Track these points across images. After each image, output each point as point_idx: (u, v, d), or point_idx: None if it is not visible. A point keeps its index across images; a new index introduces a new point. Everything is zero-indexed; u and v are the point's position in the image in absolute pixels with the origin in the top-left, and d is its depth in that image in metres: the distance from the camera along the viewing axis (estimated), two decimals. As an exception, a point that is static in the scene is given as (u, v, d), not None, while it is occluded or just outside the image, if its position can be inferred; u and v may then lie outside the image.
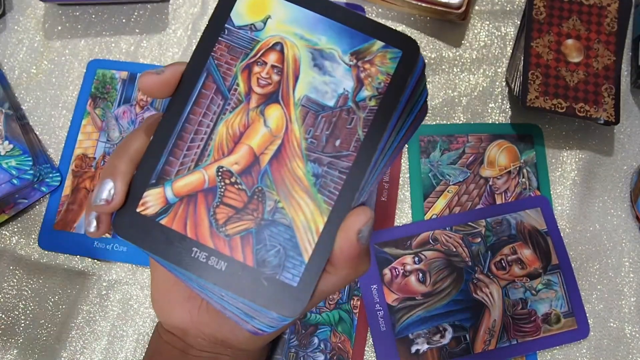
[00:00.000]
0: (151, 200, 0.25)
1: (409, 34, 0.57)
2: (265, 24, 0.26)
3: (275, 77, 0.26)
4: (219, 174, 0.25)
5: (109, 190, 0.25)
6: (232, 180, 0.25)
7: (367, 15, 0.25)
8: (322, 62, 0.26)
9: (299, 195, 0.25)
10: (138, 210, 0.25)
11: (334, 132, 0.25)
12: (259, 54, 0.26)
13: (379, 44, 0.26)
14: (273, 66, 0.26)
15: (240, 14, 0.26)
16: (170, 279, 0.30)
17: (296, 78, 0.26)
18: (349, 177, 0.25)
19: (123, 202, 0.25)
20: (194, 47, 0.26)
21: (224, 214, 0.25)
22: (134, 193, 0.25)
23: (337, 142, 0.25)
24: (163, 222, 0.25)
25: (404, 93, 0.25)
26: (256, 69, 0.26)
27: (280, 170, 0.25)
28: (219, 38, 0.26)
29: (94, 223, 0.26)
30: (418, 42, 0.57)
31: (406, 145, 0.54)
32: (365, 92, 0.26)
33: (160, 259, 0.25)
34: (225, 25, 0.26)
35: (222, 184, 0.25)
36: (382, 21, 0.57)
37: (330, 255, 0.25)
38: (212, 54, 0.26)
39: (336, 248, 0.25)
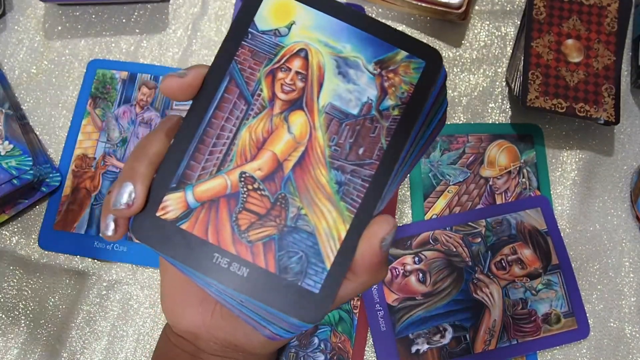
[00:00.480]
0: (171, 205, 0.25)
1: (409, 34, 0.57)
2: (289, 29, 0.26)
3: (300, 84, 0.26)
4: (242, 179, 0.25)
5: (129, 194, 0.25)
6: (255, 186, 0.25)
7: (381, 20, 0.26)
8: (346, 70, 0.26)
9: (322, 202, 0.25)
10: (158, 214, 0.25)
11: (357, 140, 0.25)
12: (283, 60, 0.26)
13: (403, 53, 0.26)
14: (297, 72, 0.26)
15: (264, 19, 0.26)
16: (182, 281, 0.30)
17: (320, 85, 0.26)
18: (372, 186, 0.25)
19: (143, 206, 0.25)
20: (217, 51, 0.26)
21: (246, 220, 0.25)
22: (154, 197, 0.25)
23: (361, 151, 0.25)
24: (184, 226, 0.25)
25: (427, 103, 0.26)
26: (280, 74, 0.26)
27: (303, 177, 0.25)
28: (243, 42, 0.26)
29: (112, 226, 0.26)
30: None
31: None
32: (389, 102, 0.26)
33: (180, 264, 0.25)
34: (249, 29, 0.26)
35: (245, 189, 0.25)
36: (382, 21, 0.57)
37: (352, 262, 0.25)
38: (235, 58, 0.26)
39: (358, 255, 0.25)
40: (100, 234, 0.25)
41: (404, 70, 0.26)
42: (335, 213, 0.25)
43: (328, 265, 0.24)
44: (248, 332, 0.29)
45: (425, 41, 0.56)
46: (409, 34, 0.56)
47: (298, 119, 0.25)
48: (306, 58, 0.26)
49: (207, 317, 0.30)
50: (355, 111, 0.25)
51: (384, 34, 0.26)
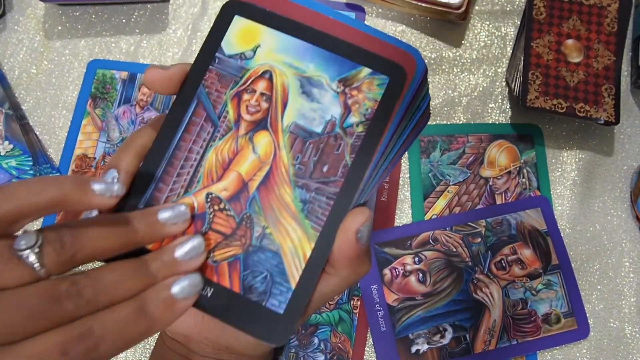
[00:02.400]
0: None
1: (409, 34, 0.57)
2: (255, 52, 0.26)
3: (264, 105, 0.26)
4: (208, 200, 0.25)
5: (112, 178, 0.25)
6: (221, 206, 0.25)
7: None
8: (310, 89, 0.26)
9: (287, 221, 0.25)
10: None
11: (321, 158, 0.25)
12: (248, 82, 0.26)
13: (366, 70, 0.26)
14: (262, 94, 0.26)
15: (231, 43, 0.27)
16: None
17: (284, 105, 0.26)
18: (337, 203, 0.25)
19: (124, 193, 0.25)
20: (187, 76, 0.27)
21: (212, 240, 0.25)
22: None
23: (325, 168, 0.25)
24: (150, 247, 0.25)
25: (393, 118, 0.26)
26: (245, 96, 0.26)
27: (268, 196, 0.25)
28: (210, 67, 0.27)
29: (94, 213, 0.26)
30: (418, 42, 0.57)
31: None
32: (353, 119, 0.26)
33: None
34: (216, 54, 0.27)
35: (211, 210, 0.25)
36: (382, 21, 0.57)
37: (330, 255, 0.25)
38: (203, 82, 0.26)
39: (335, 249, 0.25)
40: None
41: (368, 87, 0.26)
42: (300, 231, 0.25)
43: (293, 285, 0.24)
44: (237, 334, 0.29)
45: (425, 41, 0.57)
46: (409, 34, 0.56)
47: (263, 139, 0.26)
48: (271, 79, 0.26)
49: (198, 320, 0.30)
50: (319, 129, 0.25)
51: (347, 52, 0.26)
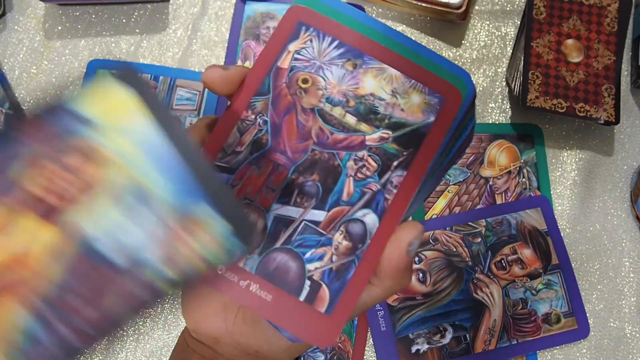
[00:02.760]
0: None
1: (409, 34, 0.57)
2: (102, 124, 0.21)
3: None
4: None
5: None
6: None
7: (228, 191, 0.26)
8: (135, 206, 0.20)
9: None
10: None
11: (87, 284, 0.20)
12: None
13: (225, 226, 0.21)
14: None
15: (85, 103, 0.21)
16: (204, 287, 0.30)
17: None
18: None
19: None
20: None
21: None
22: None
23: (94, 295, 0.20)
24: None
25: (453, 123, 0.27)
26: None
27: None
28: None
29: None
30: (418, 41, 0.57)
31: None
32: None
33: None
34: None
35: None
36: (382, 21, 0.57)
37: (377, 267, 0.25)
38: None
39: (384, 260, 0.25)
40: None
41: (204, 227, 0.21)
42: None
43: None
44: (270, 338, 0.29)
45: (425, 41, 0.57)
46: (409, 34, 0.55)
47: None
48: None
49: (230, 323, 0.30)
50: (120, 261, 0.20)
51: (219, 200, 0.21)
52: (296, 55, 0.28)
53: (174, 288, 0.20)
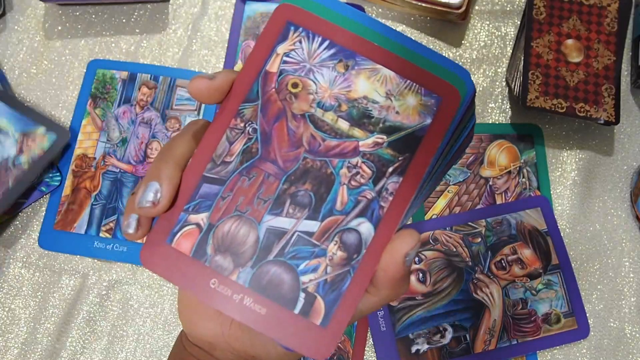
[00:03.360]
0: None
1: (409, 34, 0.57)
2: None
3: None
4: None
5: (155, 193, 0.25)
6: None
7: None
8: None
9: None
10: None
11: None
12: None
13: (43, 128, 0.33)
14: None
15: None
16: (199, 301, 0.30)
17: None
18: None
19: (168, 207, 0.25)
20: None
21: None
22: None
23: None
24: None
25: (453, 122, 0.26)
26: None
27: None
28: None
29: (134, 225, 0.25)
30: (418, 42, 0.57)
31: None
32: (23, 158, 0.39)
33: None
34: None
35: None
36: (382, 21, 0.57)
37: (374, 276, 0.25)
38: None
39: (380, 270, 0.24)
40: (122, 232, 0.26)
41: (40, 140, 0.33)
42: None
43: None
44: (266, 344, 0.29)
45: (425, 41, 0.57)
46: (409, 34, 0.55)
47: None
48: None
49: (225, 328, 0.30)
50: None
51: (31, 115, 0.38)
52: (285, 58, 0.27)
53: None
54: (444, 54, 0.57)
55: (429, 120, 0.26)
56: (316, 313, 0.24)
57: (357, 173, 0.26)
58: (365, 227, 0.25)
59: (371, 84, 0.26)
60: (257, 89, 0.26)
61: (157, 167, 0.25)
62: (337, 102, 0.26)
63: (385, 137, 0.26)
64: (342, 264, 0.25)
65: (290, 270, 0.25)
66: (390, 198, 0.25)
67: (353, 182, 0.26)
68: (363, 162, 0.26)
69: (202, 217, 0.26)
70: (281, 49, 0.27)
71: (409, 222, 0.52)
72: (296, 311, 0.25)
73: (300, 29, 0.27)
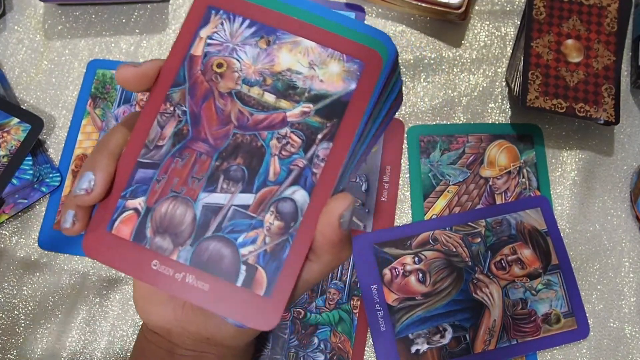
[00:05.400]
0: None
1: (409, 34, 0.57)
2: None
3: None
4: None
5: (88, 181, 0.25)
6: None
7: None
8: None
9: None
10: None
11: None
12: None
13: (15, 120, 0.33)
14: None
15: None
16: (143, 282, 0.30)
17: None
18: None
19: (103, 195, 0.26)
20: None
21: None
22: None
23: None
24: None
25: (376, 87, 0.26)
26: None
27: None
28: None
29: (70, 220, 0.26)
30: (418, 42, 0.57)
31: (405, 145, 0.54)
32: (0, 152, 0.39)
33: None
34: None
35: None
36: (382, 21, 0.57)
37: (313, 242, 0.25)
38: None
39: (318, 234, 0.25)
40: (61, 229, 0.26)
41: (15, 132, 0.33)
42: None
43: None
44: (219, 324, 0.30)
45: (425, 41, 0.57)
46: (409, 34, 0.55)
47: None
48: None
49: (178, 312, 0.30)
50: None
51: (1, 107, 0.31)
52: (209, 41, 0.27)
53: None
54: (443, 54, 0.57)
55: (353, 85, 0.26)
56: (258, 284, 0.25)
57: (287, 143, 0.26)
58: (300, 195, 0.25)
59: (293, 56, 0.27)
60: (183, 72, 0.27)
61: (92, 158, 0.26)
62: (261, 77, 0.27)
63: (311, 105, 0.26)
64: (280, 233, 0.25)
65: (229, 244, 0.25)
66: (322, 164, 0.25)
67: (284, 152, 0.26)
68: (292, 132, 0.26)
69: (139, 202, 0.26)
70: (204, 32, 0.27)
71: (413, 222, 0.52)
72: (238, 284, 0.25)
73: (221, 12, 0.27)
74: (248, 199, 0.26)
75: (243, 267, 0.25)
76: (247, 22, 0.27)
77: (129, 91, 0.29)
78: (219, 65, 0.27)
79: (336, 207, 0.24)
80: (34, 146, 0.53)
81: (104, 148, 0.26)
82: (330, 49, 0.26)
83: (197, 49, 0.27)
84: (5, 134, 0.36)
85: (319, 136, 0.26)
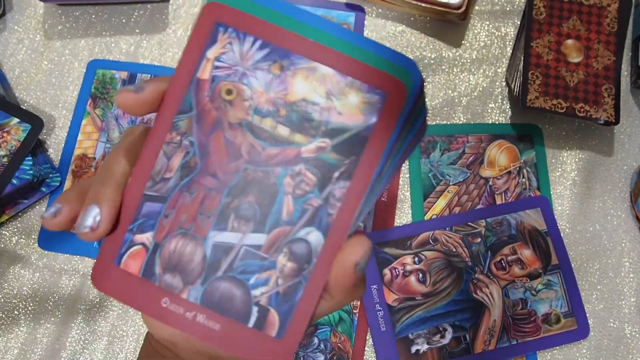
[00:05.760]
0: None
1: (409, 34, 0.57)
2: None
3: None
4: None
5: (93, 217, 0.24)
6: None
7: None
8: None
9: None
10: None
11: None
12: None
13: (15, 120, 0.33)
14: None
15: None
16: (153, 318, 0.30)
17: None
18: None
19: (109, 231, 0.25)
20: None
21: None
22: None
23: None
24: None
25: (402, 114, 0.24)
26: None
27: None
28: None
29: (91, 220, 0.25)
30: (418, 42, 0.57)
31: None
32: (1, 152, 0.41)
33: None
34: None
35: None
36: (382, 21, 0.57)
37: (326, 283, 0.24)
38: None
39: (332, 279, 0.24)
40: (77, 231, 0.25)
41: (15, 132, 0.33)
42: None
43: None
44: None
45: (425, 41, 0.57)
46: (409, 34, 0.55)
47: None
48: None
49: None
50: None
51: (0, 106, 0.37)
52: (217, 63, 0.25)
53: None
54: (443, 54, 0.57)
55: (374, 119, 0.24)
56: (271, 325, 0.24)
57: (302, 181, 0.24)
58: (314, 236, 0.24)
59: (309, 84, 0.24)
60: (190, 98, 0.25)
61: (96, 190, 0.25)
62: (274, 107, 0.25)
63: (328, 140, 0.24)
64: (293, 274, 0.24)
65: (240, 285, 0.24)
66: (339, 204, 0.24)
67: (298, 191, 0.24)
68: (307, 168, 0.24)
69: (147, 237, 0.25)
70: (211, 53, 0.25)
71: (413, 222, 0.52)
72: (250, 325, 0.24)
73: (230, 30, 0.25)
74: (260, 238, 0.24)
75: (255, 309, 0.24)
76: (258, 43, 0.25)
77: (128, 113, 0.29)
78: (229, 92, 0.25)
79: (352, 254, 0.23)
80: (34, 146, 0.53)
81: (108, 178, 0.25)
82: (350, 77, 0.24)
83: (205, 72, 0.25)
84: (5, 134, 0.36)
85: (336, 174, 0.24)
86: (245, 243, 0.24)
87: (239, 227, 0.25)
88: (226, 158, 0.25)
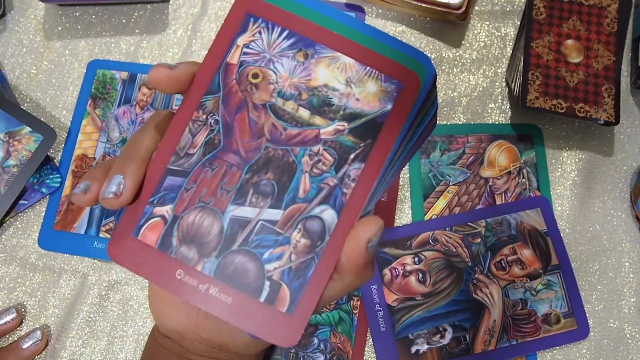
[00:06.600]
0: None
1: (409, 35, 0.57)
2: None
3: None
4: None
5: (118, 184, 0.25)
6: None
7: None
8: None
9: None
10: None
11: None
12: None
13: (27, 128, 0.38)
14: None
15: None
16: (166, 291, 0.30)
17: None
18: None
19: (131, 200, 0.26)
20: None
21: None
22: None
23: None
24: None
25: (413, 108, 0.25)
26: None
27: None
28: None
29: (114, 187, 0.26)
30: (418, 42, 0.57)
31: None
32: (11, 162, 0.39)
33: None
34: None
35: None
36: (382, 21, 0.57)
37: (338, 262, 0.25)
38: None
39: (344, 256, 0.25)
40: (101, 200, 0.26)
41: (26, 141, 0.35)
42: None
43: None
44: (232, 332, 0.29)
45: (425, 41, 0.57)
46: (409, 34, 0.55)
47: None
48: None
49: (192, 317, 0.30)
50: None
51: (14, 113, 0.37)
52: (245, 49, 0.27)
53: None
54: (443, 55, 0.57)
55: (389, 106, 0.26)
56: (281, 301, 0.25)
57: (319, 161, 0.26)
58: (329, 214, 0.25)
59: (331, 72, 0.26)
60: (218, 80, 0.27)
61: (121, 162, 0.26)
62: (297, 91, 0.26)
63: (346, 124, 0.26)
64: (306, 251, 0.25)
65: (254, 259, 0.25)
66: (353, 185, 0.25)
67: (315, 170, 0.26)
68: (324, 149, 0.26)
69: (166, 209, 0.26)
70: (241, 40, 0.27)
71: (413, 222, 0.52)
72: (262, 299, 0.25)
73: (260, 20, 0.27)
74: (276, 214, 0.25)
75: (267, 283, 0.25)
76: (285, 33, 0.27)
77: (162, 92, 0.29)
78: (255, 76, 0.27)
79: (365, 232, 0.24)
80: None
81: (135, 151, 0.26)
82: (369, 67, 0.26)
83: (234, 57, 0.27)
84: (16, 143, 0.35)
85: (352, 156, 0.26)
86: (261, 218, 0.25)
87: (257, 202, 0.26)
88: (249, 137, 0.26)
